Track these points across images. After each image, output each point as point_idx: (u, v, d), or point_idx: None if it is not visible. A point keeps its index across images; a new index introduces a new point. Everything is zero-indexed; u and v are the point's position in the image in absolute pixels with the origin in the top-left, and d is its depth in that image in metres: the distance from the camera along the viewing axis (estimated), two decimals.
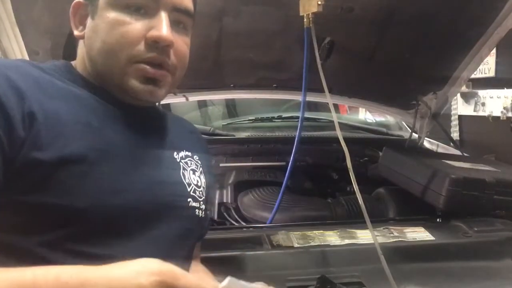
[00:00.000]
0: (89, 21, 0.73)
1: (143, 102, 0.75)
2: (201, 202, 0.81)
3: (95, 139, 0.66)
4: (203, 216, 0.81)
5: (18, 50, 1.34)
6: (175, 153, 0.79)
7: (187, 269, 0.80)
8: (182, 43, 0.75)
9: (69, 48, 0.82)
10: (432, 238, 1.17)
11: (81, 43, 0.76)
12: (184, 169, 0.79)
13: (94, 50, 0.72)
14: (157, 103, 0.86)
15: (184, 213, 0.76)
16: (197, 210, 0.79)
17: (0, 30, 1.28)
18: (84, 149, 0.64)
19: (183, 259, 0.78)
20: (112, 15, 0.69)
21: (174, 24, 0.73)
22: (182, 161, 0.80)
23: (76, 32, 0.75)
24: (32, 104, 0.62)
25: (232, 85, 1.81)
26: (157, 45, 0.70)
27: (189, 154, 0.82)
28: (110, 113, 0.71)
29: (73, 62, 0.77)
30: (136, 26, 0.69)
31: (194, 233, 0.81)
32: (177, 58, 0.74)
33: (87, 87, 0.72)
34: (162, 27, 0.69)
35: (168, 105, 2.02)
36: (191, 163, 0.81)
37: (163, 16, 0.70)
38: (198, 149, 0.86)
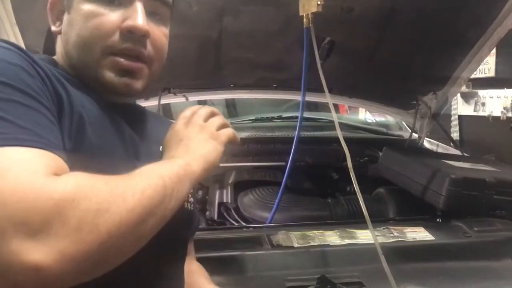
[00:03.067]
0: (65, 16, 0.72)
1: (121, 96, 0.74)
2: (189, 195, 0.81)
3: (97, 136, 0.65)
4: (191, 209, 0.82)
5: None
6: (161, 147, 0.79)
7: (182, 264, 0.80)
8: (159, 34, 0.74)
9: (49, 43, 0.80)
10: (432, 238, 1.17)
11: (58, 39, 0.75)
12: None
13: (69, 44, 0.71)
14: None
15: None
16: (185, 203, 0.79)
17: (0, 30, 1.28)
18: (93, 145, 0.63)
19: (178, 254, 0.78)
20: (87, 7, 0.68)
21: (151, 14, 0.72)
22: None
23: (53, 28, 0.74)
24: (61, 94, 0.61)
25: (232, 85, 1.81)
26: (133, 36, 0.69)
27: None
28: (97, 110, 0.69)
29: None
30: (110, 17, 0.68)
31: (185, 227, 0.81)
32: (154, 49, 0.73)
33: (71, 83, 0.70)
34: (137, 16, 0.69)
35: (168, 105, 2.02)
36: None
37: (138, 6, 0.69)
38: None
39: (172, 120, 0.95)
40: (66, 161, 0.54)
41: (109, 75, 0.70)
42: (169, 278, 0.74)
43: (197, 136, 0.70)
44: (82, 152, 0.60)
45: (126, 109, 0.77)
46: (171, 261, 0.75)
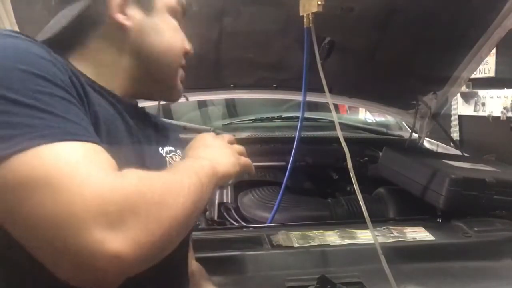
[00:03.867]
0: (140, 14, 0.72)
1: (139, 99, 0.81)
2: None
3: (110, 136, 0.64)
4: None
5: None
6: (160, 148, 0.79)
7: (186, 263, 0.80)
8: None
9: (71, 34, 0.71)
10: (432, 238, 1.17)
11: (116, 35, 0.71)
12: (170, 163, 0.78)
13: (151, 46, 0.74)
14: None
15: None
16: None
17: None
18: (104, 145, 0.63)
19: (182, 253, 0.79)
20: (173, 21, 0.77)
21: None
22: (168, 156, 0.79)
23: (122, 20, 0.70)
24: (80, 92, 0.60)
25: (232, 85, 1.81)
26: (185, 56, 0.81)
27: (173, 149, 0.82)
28: (110, 109, 0.68)
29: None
30: (184, 37, 0.80)
31: None
32: None
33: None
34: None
35: (168, 105, 2.02)
36: (176, 158, 0.80)
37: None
38: (178, 144, 0.85)
39: (170, 120, 0.94)
40: None
41: (179, 83, 0.80)
42: (175, 276, 0.75)
43: (223, 149, 0.75)
44: None
45: (132, 110, 0.77)
46: (177, 259, 0.75)
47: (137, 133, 0.73)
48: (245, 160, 0.80)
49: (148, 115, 0.85)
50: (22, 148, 0.47)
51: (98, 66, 0.71)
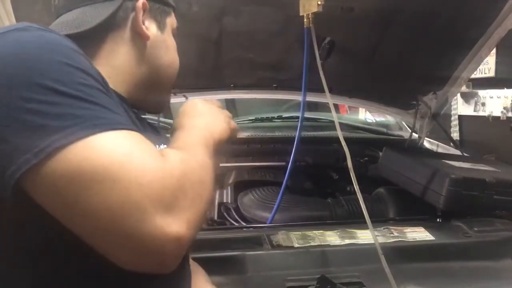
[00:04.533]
0: (155, 29, 0.76)
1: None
2: None
3: None
4: None
5: None
6: (157, 146, 0.80)
7: (188, 260, 0.80)
8: None
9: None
10: (432, 238, 1.17)
11: (136, 42, 0.74)
12: None
13: (162, 60, 0.78)
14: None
15: None
16: None
17: None
18: None
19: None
20: (174, 42, 0.81)
21: None
22: None
23: (145, 29, 0.73)
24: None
25: (232, 85, 1.81)
26: None
27: (166, 147, 0.83)
28: (124, 108, 0.70)
29: None
30: None
31: None
32: None
33: None
34: None
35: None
36: None
37: None
38: (169, 143, 0.87)
39: (170, 120, 0.95)
40: None
41: (169, 97, 0.87)
42: (179, 274, 0.75)
43: (215, 115, 0.76)
44: None
45: (133, 111, 0.78)
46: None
47: (142, 133, 0.74)
48: (234, 124, 0.82)
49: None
50: (75, 139, 0.48)
51: (109, 67, 0.71)
